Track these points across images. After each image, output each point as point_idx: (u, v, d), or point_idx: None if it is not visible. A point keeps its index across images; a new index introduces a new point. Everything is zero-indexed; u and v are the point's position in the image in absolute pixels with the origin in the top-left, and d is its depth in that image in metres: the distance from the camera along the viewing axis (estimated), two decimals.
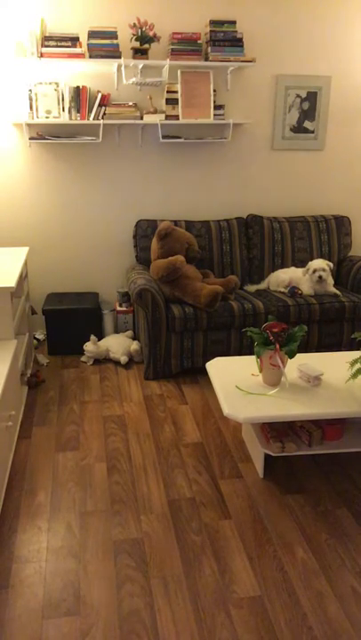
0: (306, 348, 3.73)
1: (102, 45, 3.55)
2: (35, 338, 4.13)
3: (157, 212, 4.21)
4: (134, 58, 3.66)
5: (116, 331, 4.19)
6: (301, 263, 4.07)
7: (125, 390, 3.48)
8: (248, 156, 4.20)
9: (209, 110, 3.84)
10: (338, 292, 3.79)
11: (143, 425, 3.07)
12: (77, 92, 3.66)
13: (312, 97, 4.12)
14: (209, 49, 3.70)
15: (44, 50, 3.49)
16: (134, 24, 3.59)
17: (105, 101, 3.71)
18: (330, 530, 2.27)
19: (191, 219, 4.26)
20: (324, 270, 3.72)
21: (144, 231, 3.97)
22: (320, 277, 3.71)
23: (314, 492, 2.51)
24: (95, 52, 3.56)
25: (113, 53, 3.58)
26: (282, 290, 3.84)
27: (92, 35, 3.54)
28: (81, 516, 2.34)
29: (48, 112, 3.66)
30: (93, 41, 3.54)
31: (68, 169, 3.99)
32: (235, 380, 2.65)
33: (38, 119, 3.66)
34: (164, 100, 3.82)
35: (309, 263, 3.77)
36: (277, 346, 2.50)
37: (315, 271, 3.72)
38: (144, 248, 3.98)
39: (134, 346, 3.83)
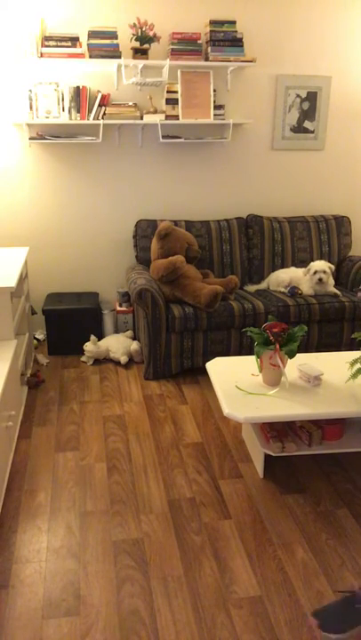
0: (306, 348, 3.73)
1: (102, 45, 3.55)
2: (35, 338, 4.13)
3: (157, 212, 4.21)
4: (134, 58, 3.66)
5: (116, 331, 4.19)
6: (301, 263, 4.07)
7: (125, 390, 3.48)
8: (248, 155, 4.20)
9: (209, 110, 3.84)
10: (338, 292, 3.79)
11: (143, 425, 3.07)
12: (77, 92, 3.66)
13: (312, 97, 4.12)
14: (209, 49, 3.70)
15: (44, 50, 3.49)
16: (134, 24, 3.59)
17: (105, 101, 3.71)
18: (330, 530, 2.27)
19: (191, 219, 4.26)
20: (324, 272, 3.72)
21: (144, 231, 3.97)
22: (320, 280, 3.71)
23: (314, 492, 2.51)
24: (95, 52, 3.56)
25: (113, 53, 3.58)
26: (282, 290, 3.84)
27: (92, 35, 3.54)
28: (81, 516, 2.34)
29: (48, 112, 3.66)
30: (93, 41, 3.54)
31: (67, 169, 3.99)
32: (235, 380, 2.65)
33: (38, 119, 3.66)
34: (164, 100, 3.82)
35: (311, 264, 3.77)
36: (277, 346, 2.50)
37: (315, 272, 3.72)
38: (144, 248, 3.98)
39: (134, 346, 3.83)
